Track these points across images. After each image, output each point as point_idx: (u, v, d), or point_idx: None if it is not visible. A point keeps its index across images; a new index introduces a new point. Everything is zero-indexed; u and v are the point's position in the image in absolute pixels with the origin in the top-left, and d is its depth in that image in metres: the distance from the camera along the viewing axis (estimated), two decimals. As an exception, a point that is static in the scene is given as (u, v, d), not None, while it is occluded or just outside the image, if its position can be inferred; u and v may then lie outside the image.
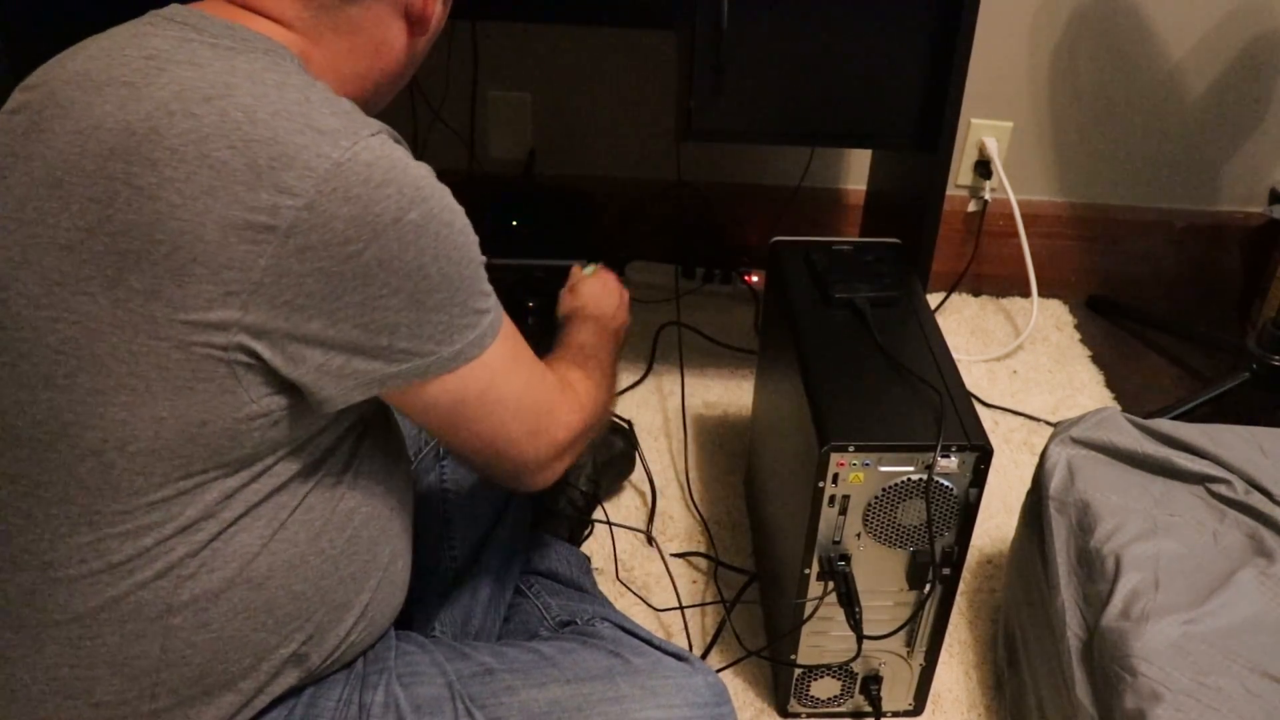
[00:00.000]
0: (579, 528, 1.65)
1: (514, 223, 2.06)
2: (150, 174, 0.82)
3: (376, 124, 0.88)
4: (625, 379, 1.98)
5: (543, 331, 1.82)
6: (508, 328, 0.96)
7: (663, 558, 1.65)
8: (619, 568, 1.63)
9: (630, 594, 1.59)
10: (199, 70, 0.85)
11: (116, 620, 0.88)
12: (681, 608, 1.58)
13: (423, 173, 0.88)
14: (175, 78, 0.85)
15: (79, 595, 0.87)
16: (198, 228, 0.81)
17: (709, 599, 1.59)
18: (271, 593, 0.92)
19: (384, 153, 0.85)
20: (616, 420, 1.87)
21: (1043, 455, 1.42)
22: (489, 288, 0.93)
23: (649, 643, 1.13)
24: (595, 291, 1.32)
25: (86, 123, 0.85)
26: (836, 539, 1.28)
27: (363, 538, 0.99)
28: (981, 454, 1.22)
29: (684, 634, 1.54)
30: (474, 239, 0.91)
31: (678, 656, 1.11)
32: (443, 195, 0.88)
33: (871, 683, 1.39)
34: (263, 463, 0.89)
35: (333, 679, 1.02)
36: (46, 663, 0.88)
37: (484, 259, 0.93)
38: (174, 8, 0.91)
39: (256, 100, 0.84)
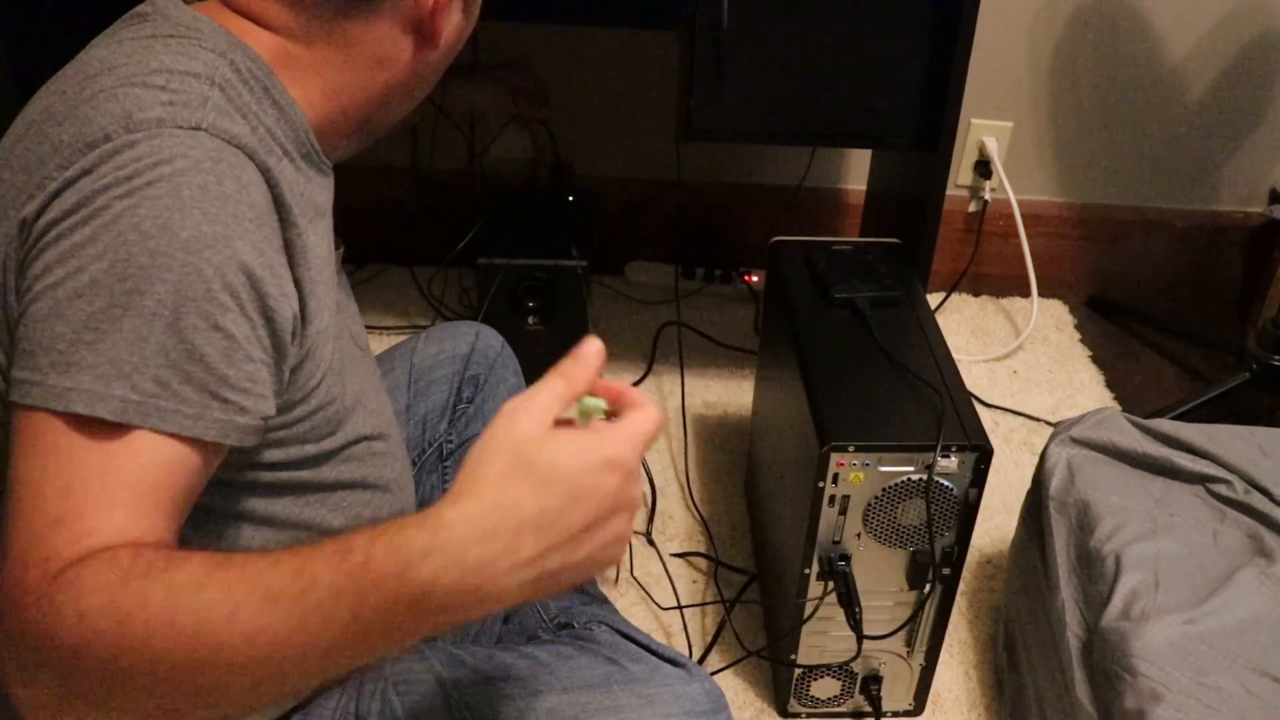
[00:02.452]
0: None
1: (516, 224, 2.06)
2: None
3: (207, 120, 0.77)
4: (625, 379, 1.98)
5: (544, 330, 1.83)
6: (112, 425, 0.71)
7: (662, 558, 1.65)
8: (619, 568, 1.63)
9: (630, 594, 1.59)
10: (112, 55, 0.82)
11: None
12: (680, 609, 1.58)
13: (193, 180, 0.74)
14: (87, 61, 0.82)
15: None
16: None
17: (709, 599, 1.59)
18: None
19: (168, 148, 0.75)
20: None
21: (1043, 455, 1.42)
22: (145, 376, 0.71)
23: (646, 648, 1.13)
24: (569, 470, 0.69)
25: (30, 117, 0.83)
26: (836, 539, 1.28)
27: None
28: (981, 454, 1.22)
29: (684, 634, 1.54)
30: (197, 299, 0.73)
31: (675, 662, 1.11)
32: (175, 208, 0.73)
33: (871, 683, 1.39)
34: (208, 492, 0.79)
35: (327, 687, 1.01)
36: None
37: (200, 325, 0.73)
38: (162, 3, 0.88)
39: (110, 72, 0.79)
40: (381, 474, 1.03)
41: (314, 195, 0.90)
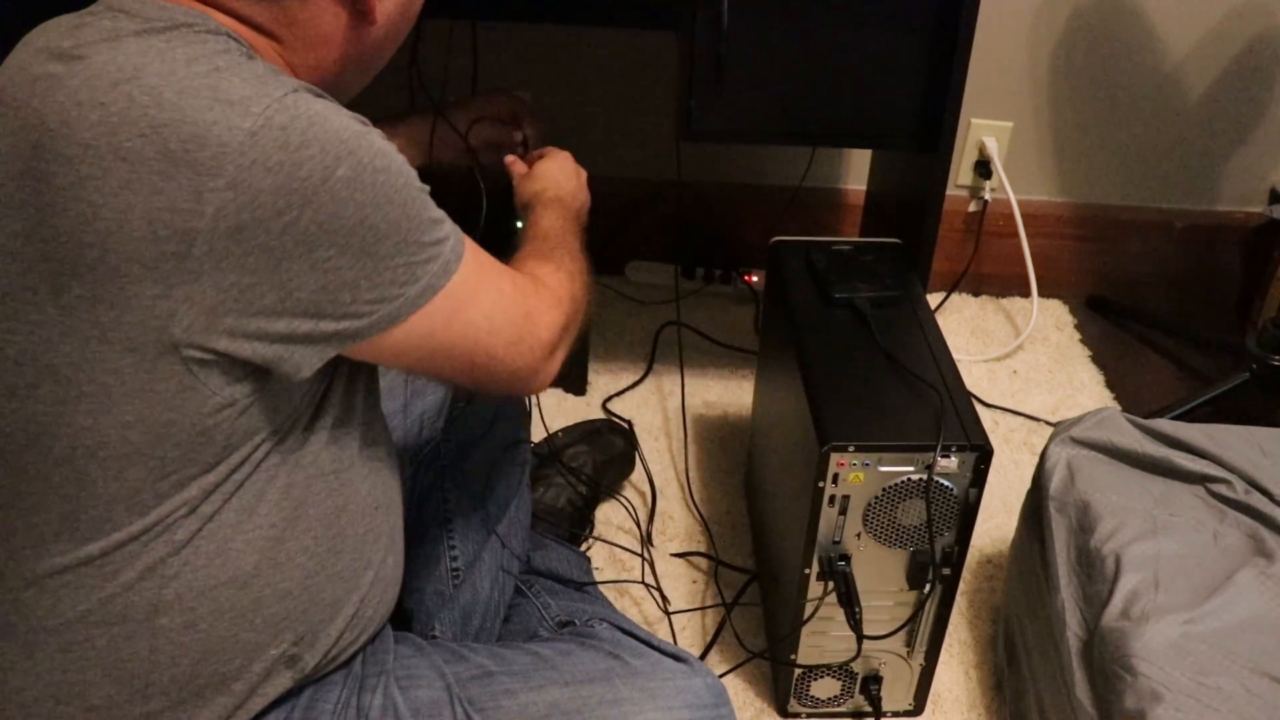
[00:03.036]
0: (579, 527, 1.65)
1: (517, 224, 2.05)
2: (68, 172, 0.79)
3: (293, 82, 0.84)
4: (625, 379, 1.98)
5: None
6: (469, 247, 0.95)
7: (658, 559, 1.65)
8: (619, 568, 1.63)
9: (630, 594, 1.59)
10: (114, 53, 0.82)
11: (104, 623, 0.88)
12: (674, 617, 1.58)
13: (344, 122, 0.84)
14: (89, 65, 0.82)
15: (65, 601, 0.87)
16: (124, 225, 0.78)
17: (709, 599, 1.59)
18: (258, 591, 0.92)
19: (300, 110, 0.81)
20: (616, 420, 1.87)
21: (1043, 455, 1.42)
22: (440, 213, 0.91)
23: (648, 644, 1.13)
24: (553, 172, 1.30)
25: (15, 122, 0.83)
26: (836, 539, 1.28)
27: (350, 535, 0.98)
28: (981, 454, 1.22)
29: (684, 634, 1.54)
30: (411, 173, 0.88)
31: (676, 658, 1.11)
32: (370, 141, 0.85)
33: (871, 683, 1.39)
34: (239, 453, 0.88)
35: (330, 681, 1.02)
36: (39, 669, 0.89)
37: (426, 188, 0.91)
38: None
39: (163, 80, 0.80)
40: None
41: None
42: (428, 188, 0.91)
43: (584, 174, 1.34)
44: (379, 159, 0.84)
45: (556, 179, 1.29)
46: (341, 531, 0.97)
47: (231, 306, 0.81)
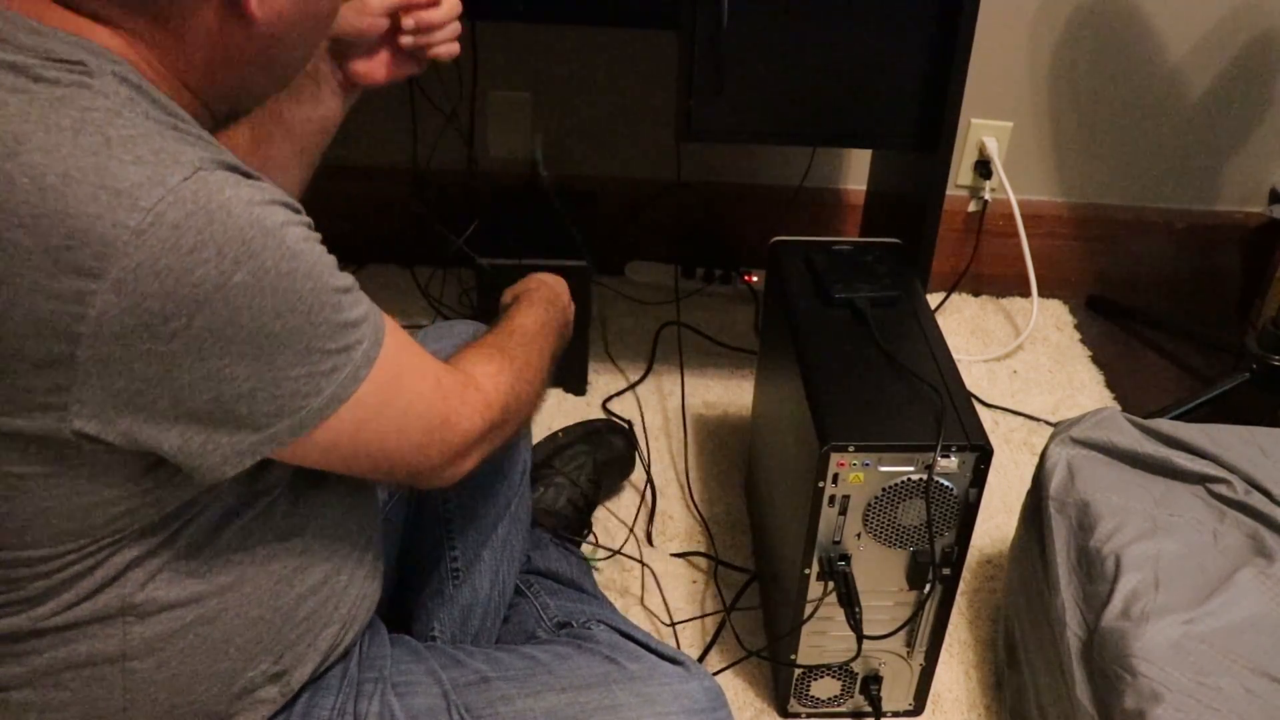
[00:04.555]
0: (579, 527, 1.65)
1: (516, 224, 2.06)
2: None
3: (194, 158, 0.75)
4: (625, 379, 1.98)
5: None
6: (389, 343, 0.87)
7: (658, 559, 1.65)
8: (619, 568, 1.63)
9: (630, 594, 1.59)
10: None
11: (74, 667, 0.86)
12: (675, 620, 1.58)
13: (251, 215, 0.75)
14: None
15: (28, 659, 0.86)
16: (6, 321, 0.72)
17: (709, 599, 1.59)
18: (228, 624, 0.91)
19: (199, 202, 0.73)
20: (616, 420, 1.87)
21: (1043, 455, 1.42)
22: (357, 312, 0.84)
23: (645, 646, 1.13)
24: (550, 282, 1.27)
25: None
26: (836, 539, 1.28)
27: (317, 550, 0.96)
28: (981, 454, 1.22)
29: (684, 634, 1.54)
30: (323, 271, 0.80)
31: (674, 660, 1.11)
32: (278, 239, 0.76)
33: (871, 683, 1.39)
34: (178, 514, 0.85)
35: (326, 684, 1.01)
36: (14, 711, 0.87)
37: (347, 282, 0.83)
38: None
39: (47, 158, 0.72)
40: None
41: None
42: (349, 281, 0.83)
43: (573, 306, 1.30)
44: (285, 261, 0.77)
45: (553, 288, 1.26)
46: (308, 548, 0.96)
47: (124, 409, 0.75)
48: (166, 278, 0.72)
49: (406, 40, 1.12)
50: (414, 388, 0.91)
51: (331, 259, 0.82)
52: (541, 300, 1.21)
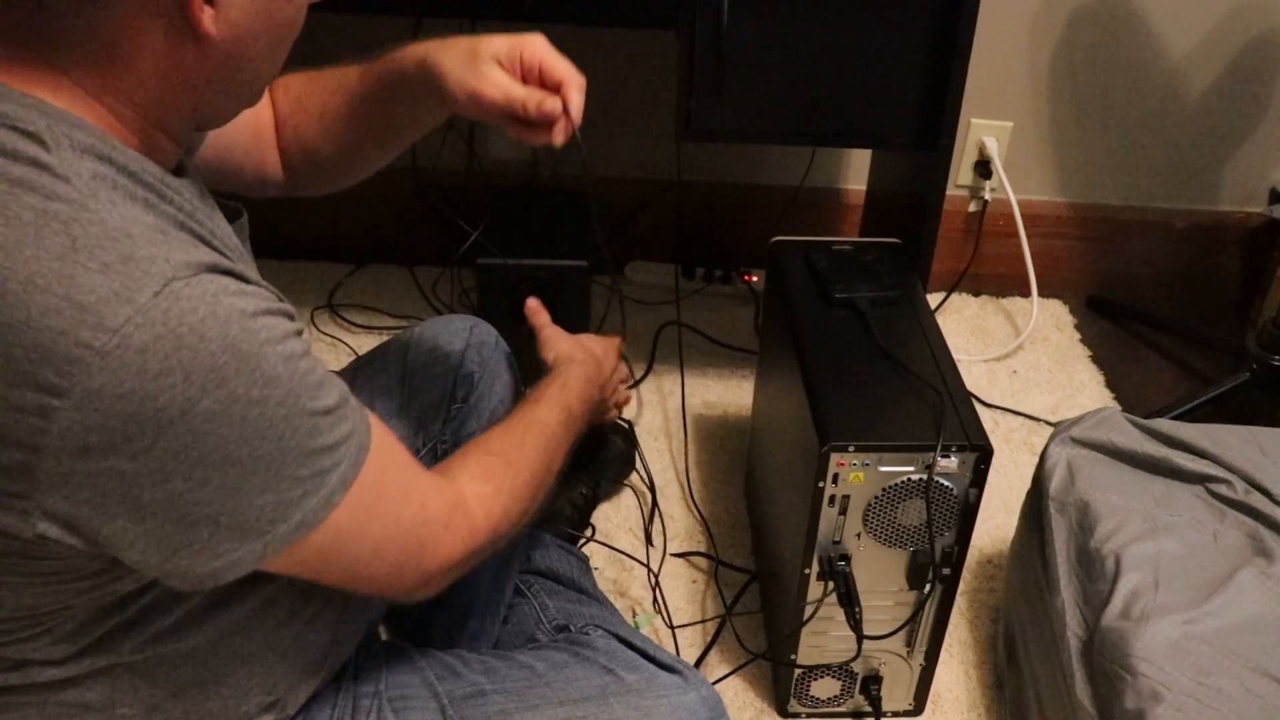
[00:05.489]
0: (579, 527, 1.65)
1: (516, 224, 2.06)
2: None
3: (167, 265, 0.70)
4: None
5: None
6: (372, 464, 0.82)
7: (655, 560, 1.65)
8: (619, 568, 1.63)
9: (629, 595, 1.59)
10: None
11: (63, 706, 0.85)
12: (673, 624, 1.58)
13: (225, 339, 0.71)
14: None
15: (20, 709, 0.85)
16: None
17: (709, 599, 1.59)
18: (218, 665, 0.90)
19: (170, 324, 0.69)
20: (617, 420, 1.87)
21: (1043, 455, 1.42)
22: (337, 432, 0.79)
23: (644, 653, 1.12)
24: (595, 348, 1.21)
25: None
26: (836, 539, 1.28)
27: (314, 589, 0.93)
28: (981, 454, 1.22)
29: (684, 634, 1.54)
30: (305, 389, 0.76)
31: (671, 669, 1.10)
32: (252, 364, 0.72)
33: (871, 683, 1.39)
34: (154, 588, 0.84)
35: (322, 699, 1.01)
36: None
37: (329, 401, 0.78)
38: None
39: (10, 260, 0.68)
40: None
41: (198, 207, 0.82)
42: (332, 400, 0.79)
43: (622, 371, 1.22)
44: (257, 388, 0.72)
45: (600, 363, 1.18)
46: (309, 588, 0.93)
47: (87, 520, 0.73)
48: (130, 400, 0.69)
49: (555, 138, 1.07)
50: (394, 512, 0.86)
51: (318, 376, 0.78)
52: (580, 381, 1.16)
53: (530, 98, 1.01)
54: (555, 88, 1.02)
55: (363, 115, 1.10)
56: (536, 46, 1.04)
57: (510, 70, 1.03)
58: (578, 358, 1.21)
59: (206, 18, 0.75)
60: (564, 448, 1.10)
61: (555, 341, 1.21)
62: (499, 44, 1.03)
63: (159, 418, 0.70)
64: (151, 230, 0.72)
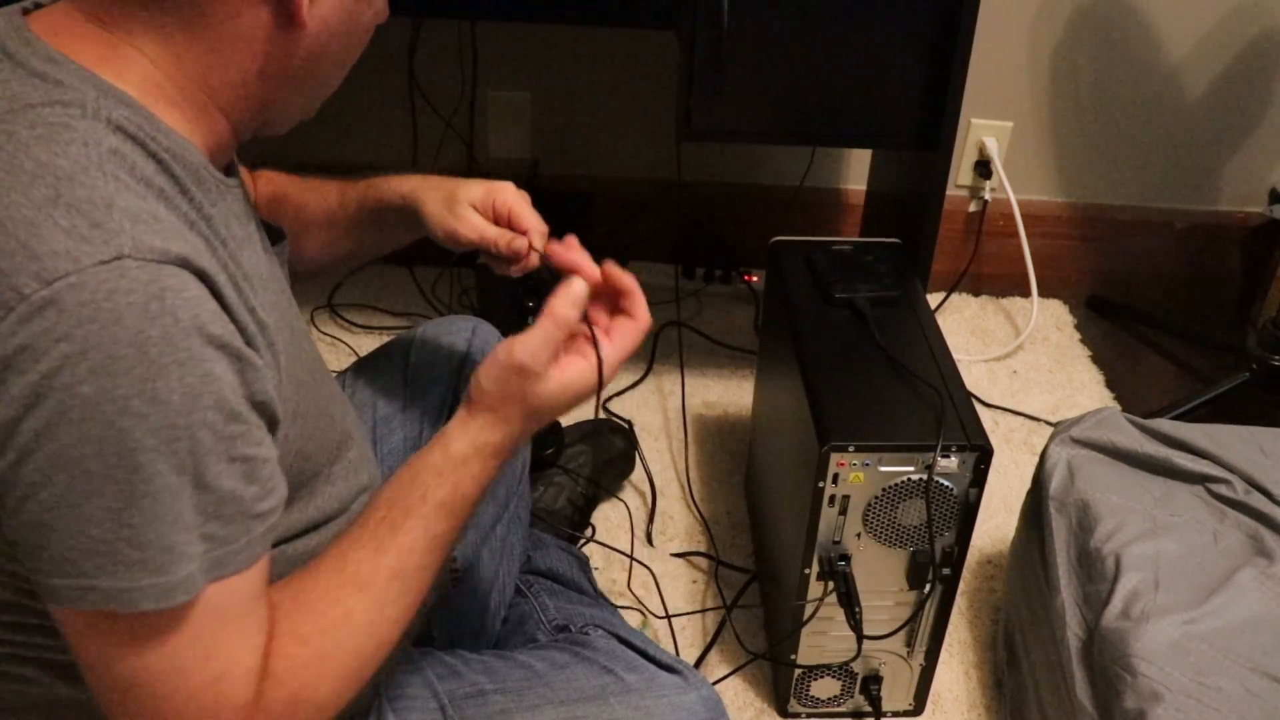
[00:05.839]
0: (579, 528, 1.65)
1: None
2: None
3: (136, 242, 0.69)
4: (625, 379, 1.98)
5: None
6: (208, 601, 0.74)
7: (658, 559, 1.65)
8: (618, 568, 1.63)
9: (629, 595, 1.59)
10: None
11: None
12: (672, 618, 1.58)
13: (142, 337, 0.68)
14: None
15: None
16: None
17: (709, 599, 1.59)
18: None
19: (95, 297, 0.67)
20: (616, 420, 1.87)
21: (1043, 455, 1.42)
22: (201, 529, 0.72)
23: (644, 654, 1.12)
24: (551, 388, 0.94)
25: None
26: (836, 539, 1.28)
27: None
28: (981, 454, 1.22)
29: (684, 634, 1.54)
30: (197, 444, 0.70)
31: (671, 669, 1.10)
32: (150, 374, 0.68)
33: (871, 683, 1.39)
34: None
35: None
36: None
37: (225, 489, 0.73)
38: (15, 32, 0.76)
39: None
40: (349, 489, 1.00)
41: (230, 223, 0.82)
42: (229, 489, 0.73)
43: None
44: (140, 401, 0.68)
45: (542, 396, 0.94)
46: None
47: None
48: (23, 355, 0.67)
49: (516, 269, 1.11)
50: (177, 665, 0.75)
51: (238, 466, 0.73)
52: (505, 427, 0.93)
53: (501, 238, 1.09)
54: (522, 231, 1.10)
55: (340, 229, 1.16)
56: (507, 195, 1.12)
57: (484, 213, 1.11)
58: (505, 390, 0.93)
59: (305, 7, 0.78)
60: (439, 556, 0.91)
61: (487, 366, 0.94)
62: (475, 190, 1.12)
63: (40, 384, 0.67)
64: (140, 212, 0.71)
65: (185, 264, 0.71)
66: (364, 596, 0.85)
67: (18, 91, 0.73)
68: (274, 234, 0.96)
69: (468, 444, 0.91)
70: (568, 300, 0.94)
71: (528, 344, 0.92)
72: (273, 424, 0.79)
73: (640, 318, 0.97)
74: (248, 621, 0.78)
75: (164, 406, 0.69)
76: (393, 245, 1.19)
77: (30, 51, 0.75)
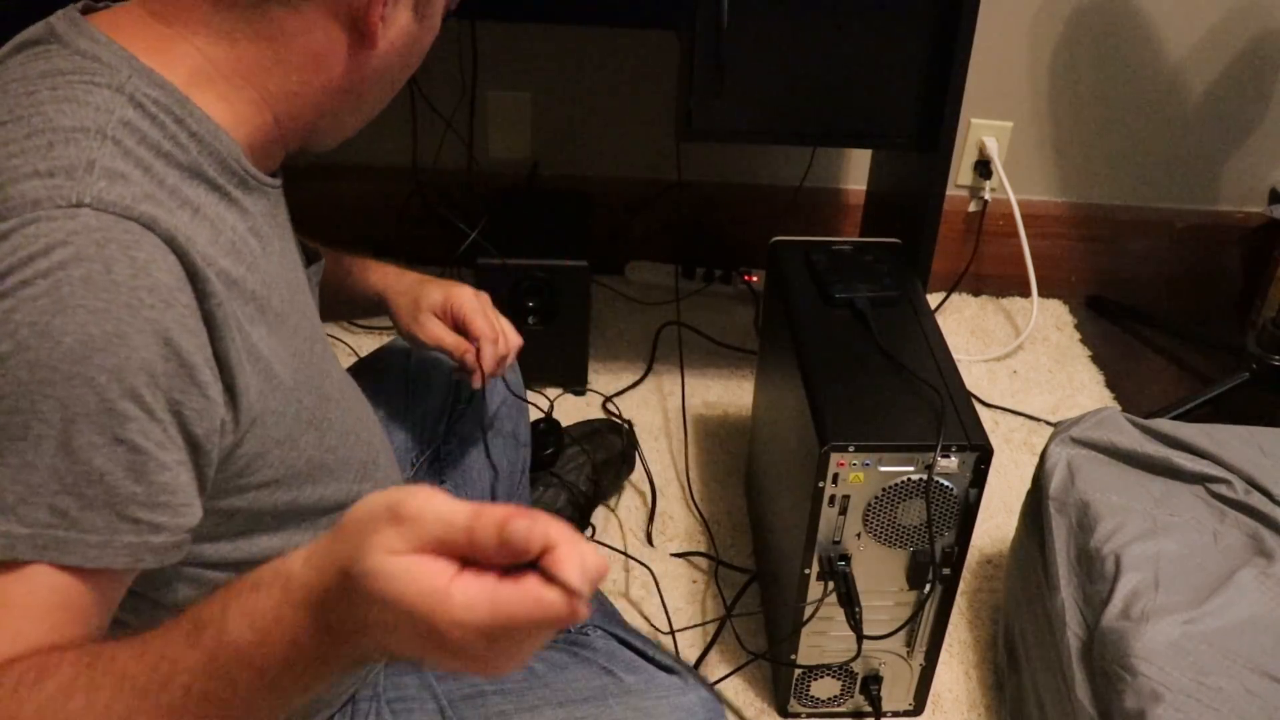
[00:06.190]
0: (579, 527, 1.65)
1: (516, 224, 2.06)
2: None
3: (87, 194, 0.68)
4: (625, 379, 1.98)
5: (544, 330, 1.83)
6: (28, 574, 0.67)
7: (658, 559, 1.65)
8: (618, 568, 1.63)
9: (629, 595, 1.59)
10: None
11: None
12: (675, 621, 1.58)
13: (58, 276, 0.65)
14: None
15: None
16: None
17: (709, 599, 1.59)
18: None
19: (41, 242, 0.66)
20: (616, 420, 1.87)
21: (1043, 455, 1.42)
22: (52, 501, 0.66)
23: (643, 654, 1.12)
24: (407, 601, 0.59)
25: None
26: (836, 539, 1.28)
27: None
28: (981, 454, 1.22)
29: (684, 634, 1.54)
30: (89, 428, 0.66)
31: (671, 670, 1.10)
32: (42, 319, 0.65)
33: (871, 683, 1.39)
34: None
35: (319, 701, 1.01)
36: None
37: (114, 481, 0.67)
38: (69, 20, 0.77)
39: None
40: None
41: (257, 223, 0.81)
42: (118, 482, 0.67)
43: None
44: (10, 341, 0.65)
45: (376, 572, 0.57)
46: None
47: None
48: None
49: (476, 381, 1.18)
50: None
51: (120, 449, 0.67)
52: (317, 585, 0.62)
53: (456, 347, 1.17)
54: (474, 339, 1.17)
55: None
56: (462, 301, 1.18)
57: (444, 319, 1.19)
58: (346, 529, 0.60)
59: (379, 30, 0.79)
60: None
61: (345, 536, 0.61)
62: (435, 297, 1.18)
63: None
64: (123, 173, 0.70)
65: (151, 225, 0.69)
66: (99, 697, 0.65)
67: (57, 65, 0.74)
68: (309, 254, 0.95)
69: (273, 569, 0.62)
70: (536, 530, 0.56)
71: (433, 499, 0.57)
72: (197, 444, 0.72)
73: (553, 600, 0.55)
74: (24, 628, 0.66)
75: (51, 345, 0.65)
76: (359, 317, 1.25)
77: (77, 32, 0.75)
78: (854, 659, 1.36)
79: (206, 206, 0.75)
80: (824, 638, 1.36)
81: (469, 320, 1.18)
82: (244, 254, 0.78)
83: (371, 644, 0.58)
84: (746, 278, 2.20)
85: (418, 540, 0.56)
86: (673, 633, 1.54)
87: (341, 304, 1.22)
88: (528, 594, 0.55)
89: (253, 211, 0.80)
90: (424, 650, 0.57)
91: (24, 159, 0.69)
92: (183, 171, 0.74)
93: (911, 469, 1.23)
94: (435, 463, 1.32)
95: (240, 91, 0.78)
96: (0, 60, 0.77)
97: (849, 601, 1.29)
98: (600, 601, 1.39)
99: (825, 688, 1.41)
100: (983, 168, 2.14)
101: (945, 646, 1.43)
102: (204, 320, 0.72)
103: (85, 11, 0.79)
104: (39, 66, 0.74)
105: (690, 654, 1.51)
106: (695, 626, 1.55)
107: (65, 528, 0.66)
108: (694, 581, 1.63)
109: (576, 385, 1.95)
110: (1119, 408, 1.91)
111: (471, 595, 0.55)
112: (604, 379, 1.98)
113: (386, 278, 1.21)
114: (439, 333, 1.18)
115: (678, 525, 1.71)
